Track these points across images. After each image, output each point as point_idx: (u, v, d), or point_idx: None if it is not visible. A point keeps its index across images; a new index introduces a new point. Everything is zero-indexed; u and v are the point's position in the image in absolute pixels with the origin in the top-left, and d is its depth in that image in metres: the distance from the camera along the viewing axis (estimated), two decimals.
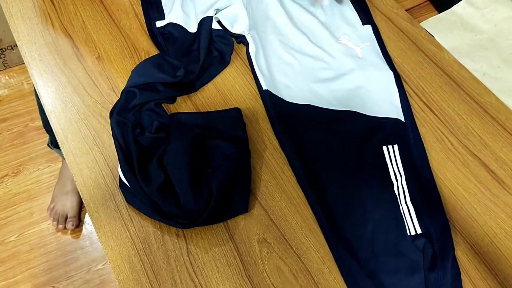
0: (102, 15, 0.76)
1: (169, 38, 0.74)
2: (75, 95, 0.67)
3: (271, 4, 0.78)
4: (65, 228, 1.29)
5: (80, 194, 0.59)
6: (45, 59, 0.69)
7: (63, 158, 1.30)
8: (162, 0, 0.79)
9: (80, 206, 1.33)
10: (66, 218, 1.29)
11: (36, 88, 0.67)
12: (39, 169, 1.42)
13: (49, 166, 1.42)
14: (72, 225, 1.29)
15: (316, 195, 0.61)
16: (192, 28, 0.75)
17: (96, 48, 0.72)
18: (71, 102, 0.66)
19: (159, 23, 0.76)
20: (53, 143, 1.23)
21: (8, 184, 1.39)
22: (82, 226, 1.33)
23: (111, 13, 0.76)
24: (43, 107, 0.65)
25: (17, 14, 0.75)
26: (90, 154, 0.62)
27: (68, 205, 1.29)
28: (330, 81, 0.71)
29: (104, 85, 0.68)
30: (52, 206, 1.30)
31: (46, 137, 1.47)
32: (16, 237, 1.31)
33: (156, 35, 0.74)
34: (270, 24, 0.76)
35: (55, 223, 1.29)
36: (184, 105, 0.68)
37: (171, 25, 0.75)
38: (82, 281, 1.25)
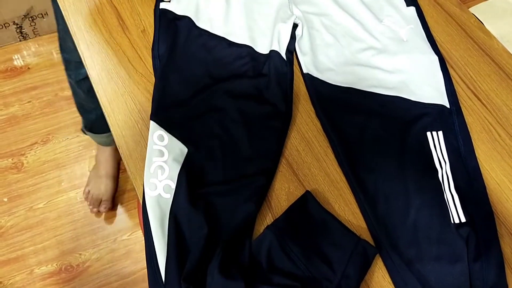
0: None
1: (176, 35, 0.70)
2: (120, 67, 0.67)
3: None
4: (99, 210, 1.31)
5: (126, 166, 0.60)
6: (91, 30, 0.69)
7: (97, 143, 1.30)
8: None
9: (114, 190, 1.34)
10: (100, 202, 1.30)
11: (82, 59, 0.67)
12: (68, 138, 1.44)
13: (78, 136, 1.44)
14: (105, 208, 1.30)
15: (357, 180, 0.60)
16: (260, 47, 0.70)
17: (141, 21, 0.71)
18: (116, 74, 0.66)
19: (164, 5, 0.72)
20: (87, 127, 1.23)
21: (37, 151, 1.41)
22: (116, 209, 1.34)
23: None
24: (90, 78, 0.66)
25: None
26: (136, 127, 0.62)
27: (102, 189, 1.31)
28: (373, 64, 0.70)
29: (149, 58, 0.68)
30: (87, 190, 1.32)
31: (75, 107, 1.49)
32: (44, 204, 1.33)
33: (155, 16, 0.71)
34: (314, 5, 0.75)
35: (90, 206, 1.31)
36: None
37: (194, 27, 0.70)
38: (108, 250, 1.27)
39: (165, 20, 0.70)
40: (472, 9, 0.78)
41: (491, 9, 0.78)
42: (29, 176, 1.37)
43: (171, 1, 0.72)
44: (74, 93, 1.13)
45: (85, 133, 1.28)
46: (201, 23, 0.70)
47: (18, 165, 1.38)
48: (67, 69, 1.05)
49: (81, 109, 1.18)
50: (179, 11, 0.71)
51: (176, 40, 0.68)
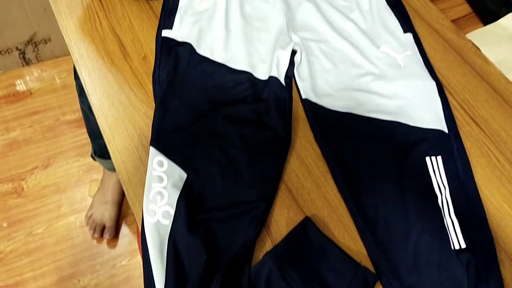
0: (148, 16, 0.76)
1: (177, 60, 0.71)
2: (121, 93, 0.67)
3: (312, 12, 0.78)
4: (101, 237, 1.30)
5: (125, 192, 0.60)
6: (93, 57, 0.70)
7: (107, 169, 1.31)
8: (180, 9, 0.76)
9: (118, 217, 1.33)
10: (103, 228, 1.30)
11: (84, 86, 0.68)
12: (68, 162, 1.44)
13: (78, 160, 1.44)
14: (110, 235, 1.29)
15: (357, 205, 0.60)
16: (260, 73, 0.71)
17: (142, 49, 0.73)
18: (117, 100, 0.67)
19: (166, 33, 0.73)
20: (97, 153, 1.24)
21: (37, 176, 1.42)
22: (118, 236, 1.33)
23: (158, 14, 0.76)
24: (91, 105, 0.66)
25: (65, 10, 0.76)
26: (136, 153, 0.62)
27: (107, 215, 1.30)
28: (371, 90, 0.71)
29: (150, 85, 0.69)
30: (90, 213, 1.31)
31: (76, 131, 1.50)
32: (44, 229, 1.33)
33: (157, 43, 0.72)
34: (312, 31, 0.76)
35: (91, 231, 1.30)
36: None
37: (194, 54, 0.71)
38: (107, 275, 1.26)
39: (166, 47, 0.71)
40: (469, 35, 0.79)
41: (487, 36, 0.79)
42: (29, 201, 1.37)
43: (172, 29, 0.73)
44: (86, 119, 1.14)
45: (94, 159, 1.28)
46: (202, 50, 0.71)
47: (18, 189, 1.38)
48: (80, 95, 1.07)
49: (92, 134, 1.19)
50: (180, 38, 0.72)
51: (177, 66, 0.69)
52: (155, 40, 0.72)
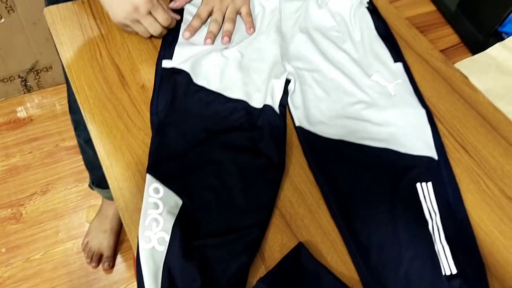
0: (147, 47, 0.79)
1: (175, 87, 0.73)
2: (119, 121, 0.69)
3: (305, 43, 0.80)
4: (98, 265, 1.30)
5: (122, 219, 0.61)
6: (92, 87, 0.73)
7: (105, 198, 1.31)
8: (181, 41, 0.79)
9: (116, 245, 1.33)
10: (100, 257, 1.30)
11: (83, 113, 0.70)
12: (66, 188, 1.46)
13: (77, 186, 1.46)
14: (108, 265, 1.29)
15: (350, 231, 0.61)
16: (255, 101, 0.73)
17: (140, 78, 0.75)
18: (115, 128, 0.68)
19: (166, 63, 0.75)
20: (94, 183, 1.25)
21: (36, 202, 1.42)
22: (115, 265, 1.33)
23: (156, 45, 0.79)
24: (89, 132, 0.68)
25: (66, 42, 0.78)
26: (133, 180, 0.64)
27: (105, 244, 1.30)
28: (363, 117, 0.72)
29: (147, 113, 0.70)
30: (86, 241, 1.31)
31: (75, 157, 1.51)
32: (41, 255, 1.33)
33: (156, 73, 0.74)
34: (306, 61, 0.79)
35: (88, 260, 1.30)
36: None
37: (192, 84, 0.73)
38: None
39: (165, 77, 0.73)
40: (457, 65, 0.81)
41: (475, 65, 0.81)
42: (27, 227, 1.38)
43: (172, 59, 0.75)
44: (83, 152, 1.16)
45: (92, 189, 1.29)
46: (198, 80, 0.73)
47: (17, 215, 1.39)
48: (76, 129, 1.09)
49: (89, 166, 1.20)
50: (178, 66, 0.74)
51: (175, 96, 0.71)
52: (155, 70, 0.74)
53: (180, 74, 0.73)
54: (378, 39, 0.82)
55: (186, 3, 0.84)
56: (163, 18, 0.75)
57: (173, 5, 0.82)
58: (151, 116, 0.69)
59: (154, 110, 0.70)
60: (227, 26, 0.81)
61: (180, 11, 0.83)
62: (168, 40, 0.78)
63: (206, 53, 0.77)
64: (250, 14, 0.84)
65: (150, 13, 0.74)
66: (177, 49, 0.77)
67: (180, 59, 0.75)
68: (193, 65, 0.75)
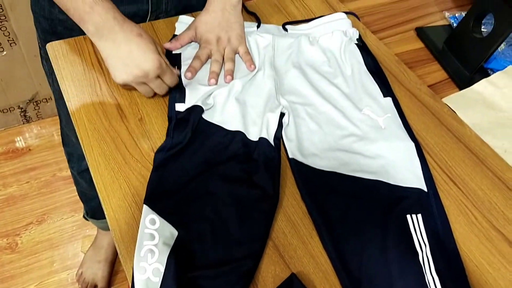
0: None
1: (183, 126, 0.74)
2: (117, 153, 0.71)
3: (298, 78, 0.83)
4: None
5: (117, 249, 0.62)
6: (92, 119, 0.75)
7: (100, 229, 1.32)
8: (185, 82, 0.81)
9: (111, 276, 1.33)
10: (95, 287, 1.29)
11: (82, 146, 0.71)
12: (62, 218, 1.46)
13: (73, 216, 1.46)
14: None
15: (342, 263, 0.62)
16: (251, 134, 0.75)
17: (139, 111, 0.77)
18: (113, 160, 0.70)
19: (179, 106, 0.77)
20: (89, 214, 1.26)
21: (32, 231, 1.43)
22: None
23: None
24: (87, 162, 0.70)
25: (67, 76, 0.81)
26: (129, 211, 0.65)
27: (99, 275, 1.30)
28: (354, 150, 0.74)
29: (145, 145, 0.72)
30: (81, 271, 1.31)
31: (72, 187, 1.52)
32: (36, 286, 1.32)
33: (171, 118, 0.75)
34: (299, 95, 0.81)
35: None
36: None
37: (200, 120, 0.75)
38: None
39: (179, 119, 0.75)
40: (445, 100, 0.84)
41: (462, 99, 0.84)
42: (22, 257, 1.37)
43: (186, 102, 0.77)
44: (77, 183, 1.17)
45: (86, 219, 1.29)
46: (204, 114, 0.76)
47: (12, 245, 1.39)
48: (69, 161, 1.10)
49: (84, 197, 1.21)
50: (190, 104, 0.77)
51: (187, 134, 0.73)
52: (168, 115, 0.76)
53: (194, 110, 0.75)
54: (367, 74, 0.85)
55: (182, 46, 0.87)
56: (171, 80, 0.77)
57: (169, 46, 0.85)
58: (156, 153, 0.70)
59: (164, 151, 0.71)
60: (228, 65, 0.84)
61: (176, 60, 0.86)
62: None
63: (213, 90, 0.79)
64: (248, 52, 0.87)
65: (158, 76, 0.75)
66: (187, 91, 0.80)
67: (192, 101, 0.78)
68: (203, 102, 0.77)
